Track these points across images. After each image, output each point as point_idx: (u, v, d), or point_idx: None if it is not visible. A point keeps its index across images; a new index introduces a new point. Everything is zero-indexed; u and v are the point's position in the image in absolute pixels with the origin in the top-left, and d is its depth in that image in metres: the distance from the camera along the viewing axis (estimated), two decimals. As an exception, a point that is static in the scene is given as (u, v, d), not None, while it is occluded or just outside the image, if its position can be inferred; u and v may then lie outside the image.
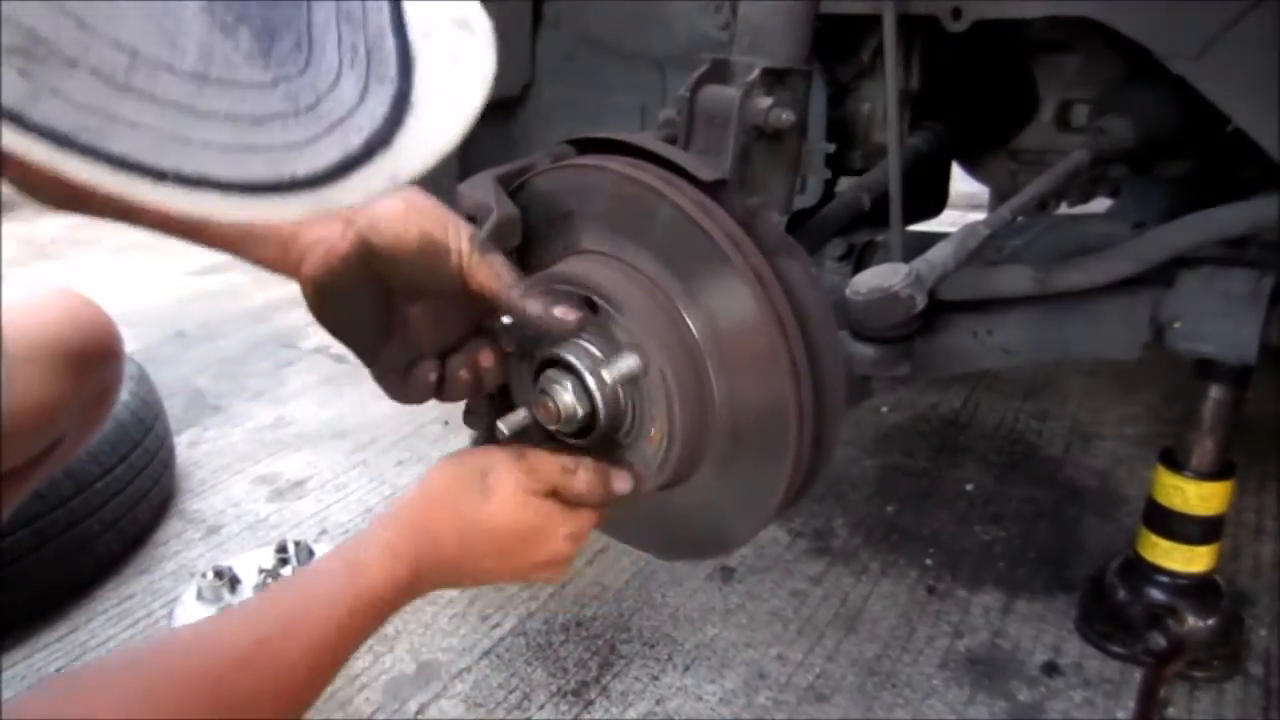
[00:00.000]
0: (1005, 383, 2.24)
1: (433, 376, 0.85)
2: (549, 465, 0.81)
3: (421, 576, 0.76)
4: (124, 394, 1.77)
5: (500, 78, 1.56)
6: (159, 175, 0.30)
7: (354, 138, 0.33)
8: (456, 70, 0.38)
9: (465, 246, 0.79)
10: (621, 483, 0.85)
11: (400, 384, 0.85)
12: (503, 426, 0.86)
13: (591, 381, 0.87)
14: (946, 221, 1.61)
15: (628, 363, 0.85)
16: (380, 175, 0.34)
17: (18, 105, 0.26)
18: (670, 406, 0.88)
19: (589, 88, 1.54)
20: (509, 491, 0.79)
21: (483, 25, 0.41)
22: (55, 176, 0.28)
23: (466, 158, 1.62)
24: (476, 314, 0.86)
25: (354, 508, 1.90)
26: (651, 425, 0.91)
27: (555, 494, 0.81)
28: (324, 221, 0.75)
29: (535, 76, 1.59)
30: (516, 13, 1.54)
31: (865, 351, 1.01)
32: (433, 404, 0.94)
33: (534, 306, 0.79)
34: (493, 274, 0.81)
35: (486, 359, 0.87)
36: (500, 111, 1.61)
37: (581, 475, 0.82)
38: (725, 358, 0.88)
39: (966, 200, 2.67)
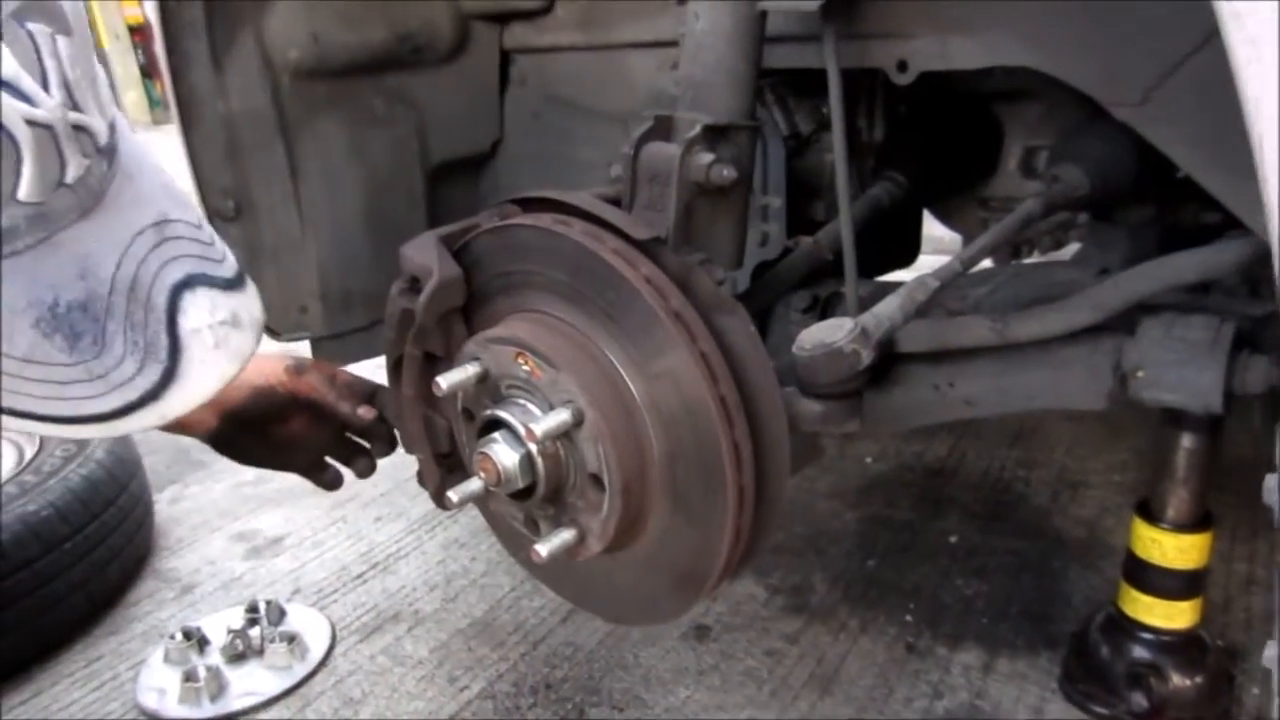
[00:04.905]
0: (992, 430, 2.21)
1: (327, 472, 1.18)
2: None
3: None
4: (99, 452, 1.77)
5: (470, 135, 1.58)
6: None
7: (131, 394, 0.51)
8: (217, 353, 0.56)
9: (284, 377, 1.09)
10: None
11: (319, 478, 1.19)
12: (453, 495, 0.93)
13: (524, 435, 0.88)
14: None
15: (559, 417, 0.86)
16: (151, 415, 0.53)
17: None
18: (607, 460, 0.87)
19: (555, 143, 1.56)
20: None
21: (252, 318, 0.59)
22: None
23: (437, 213, 1.64)
24: (337, 417, 1.13)
25: (330, 565, 1.87)
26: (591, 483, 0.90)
27: None
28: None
29: (504, 132, 1.61)
30: (485, 72, 1.56)
31: (812, 408, 0.99)
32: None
33: (344, 408, 1.12)
34: (311, 386, 1.11)
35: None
36: (470, 167, 1.63)
37: None
38: (661, 411, 0.87)
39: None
